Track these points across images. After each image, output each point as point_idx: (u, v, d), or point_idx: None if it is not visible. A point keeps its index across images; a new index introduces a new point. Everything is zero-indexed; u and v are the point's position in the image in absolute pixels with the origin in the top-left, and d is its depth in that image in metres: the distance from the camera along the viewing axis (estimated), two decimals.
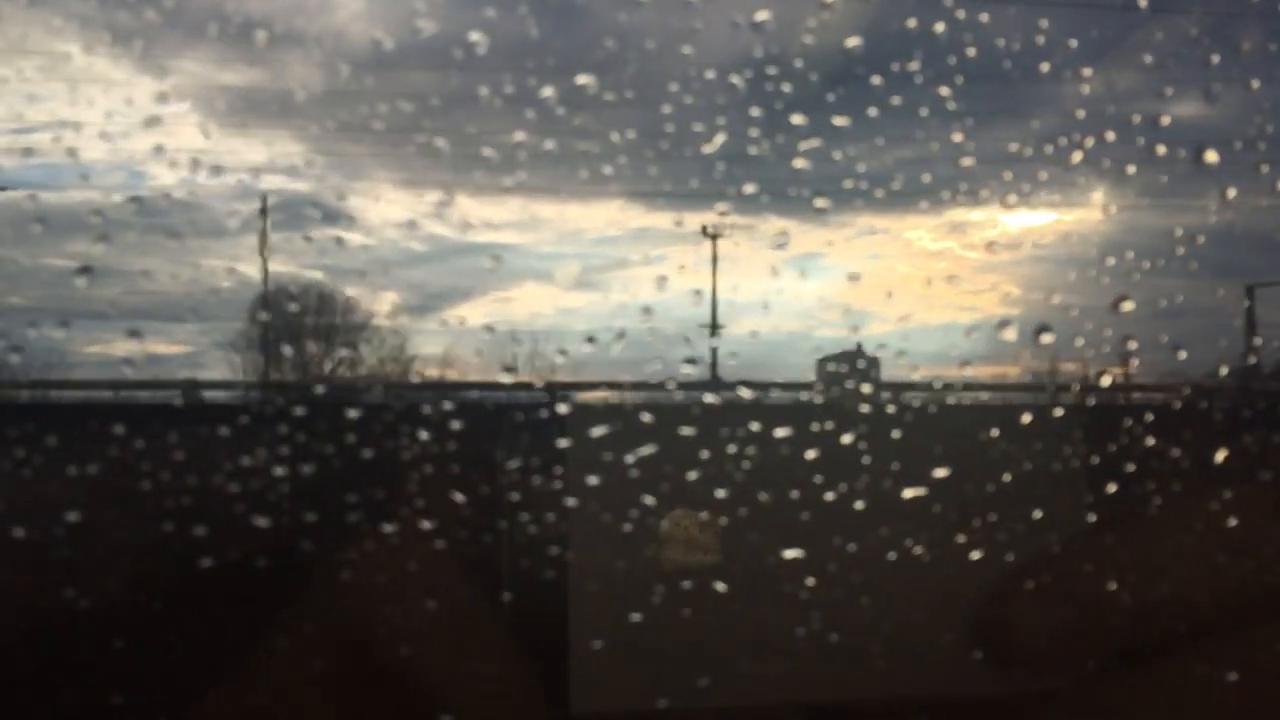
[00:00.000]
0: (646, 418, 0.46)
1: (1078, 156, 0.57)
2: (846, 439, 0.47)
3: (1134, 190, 0.58)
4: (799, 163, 0.54)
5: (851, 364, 0.56)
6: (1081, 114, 0.57)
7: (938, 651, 0.46)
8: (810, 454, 0.46)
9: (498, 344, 0.54)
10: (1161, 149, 0.56)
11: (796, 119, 0.54)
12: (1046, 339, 0.51)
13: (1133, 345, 0.52)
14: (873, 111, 0.56)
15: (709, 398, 0.48)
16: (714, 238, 0.68)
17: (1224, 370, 0.58)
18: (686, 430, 0.46)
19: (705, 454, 0.46)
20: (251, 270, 0.60)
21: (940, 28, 0.56)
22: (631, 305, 0.52)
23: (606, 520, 0.45)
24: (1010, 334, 0.51)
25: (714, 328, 0.56)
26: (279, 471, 0.48)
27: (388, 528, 0.47)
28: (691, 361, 0.52)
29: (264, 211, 0.59)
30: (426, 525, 0.46)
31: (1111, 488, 0.48)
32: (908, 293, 0.57)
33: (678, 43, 0.54)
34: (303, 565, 0.47)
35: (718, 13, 0.54)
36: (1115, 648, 0.45)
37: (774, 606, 0.46)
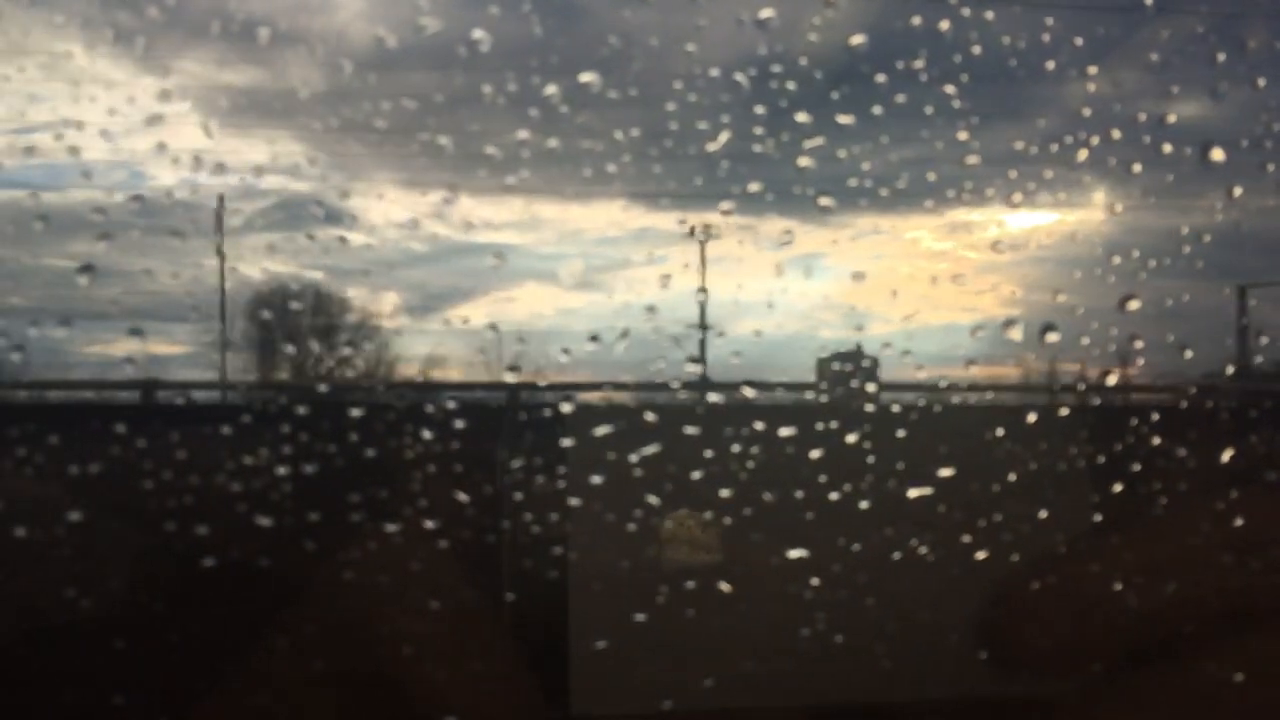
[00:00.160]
0: (649, 417, 0.46)
1: (1082, 156, 0.57)
2: (850, 439, 0.47)
3: (1139, 190, 0.58)
4: (803, 161, 0.53)
5: (854, 364, 0.56)
6: (1086, 113, 0.57)
7: (942, 653, 0.46)
8: (813, 454, 0.46)
9: (500, 343, 0.54)
10: (1167, 148, 0.56)
11: (801, 117, 0.54)
12: (1052, 338, 0.51)
13: (1138, 345, 0.52)
14: (877, 110, 0.56)
15: (712, 397, 0.48)
16: (703, 242, 0.68)
17: (1229, 370, 0.57)
18: (690, 429, 0.46)
19: (709, 453, 0.46)
20: (252, 270, 0.60)
21: (945, 26, 0.56)
22: (635, 305, 0.51)
23: (609, 520, 0.45)
24: (1015, 334, 0.51)
25: (703, 328, 0.56)
26: (281, 471, 0.48)
27: (390, 527, 0.46)
28: (695, 360, 0.51)
29: (219, 215, 0.59)
30: (429, 525, 0.46)
31: (1117, 488, 0.48)
32: (911, 292, 0.57)
33: (681, 41, 0.54)
34: (304, 565, 0.46)
35: (722, 11, 0.54)
36: (1121, 649, 0.45)
37: (777, 607, 0.46)
